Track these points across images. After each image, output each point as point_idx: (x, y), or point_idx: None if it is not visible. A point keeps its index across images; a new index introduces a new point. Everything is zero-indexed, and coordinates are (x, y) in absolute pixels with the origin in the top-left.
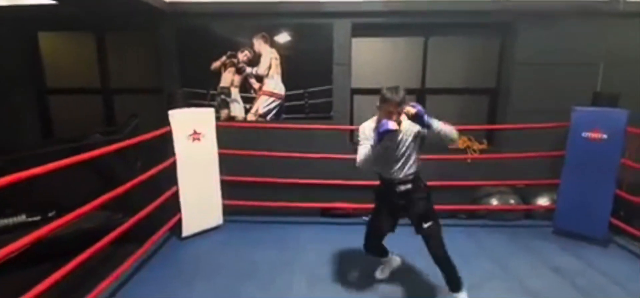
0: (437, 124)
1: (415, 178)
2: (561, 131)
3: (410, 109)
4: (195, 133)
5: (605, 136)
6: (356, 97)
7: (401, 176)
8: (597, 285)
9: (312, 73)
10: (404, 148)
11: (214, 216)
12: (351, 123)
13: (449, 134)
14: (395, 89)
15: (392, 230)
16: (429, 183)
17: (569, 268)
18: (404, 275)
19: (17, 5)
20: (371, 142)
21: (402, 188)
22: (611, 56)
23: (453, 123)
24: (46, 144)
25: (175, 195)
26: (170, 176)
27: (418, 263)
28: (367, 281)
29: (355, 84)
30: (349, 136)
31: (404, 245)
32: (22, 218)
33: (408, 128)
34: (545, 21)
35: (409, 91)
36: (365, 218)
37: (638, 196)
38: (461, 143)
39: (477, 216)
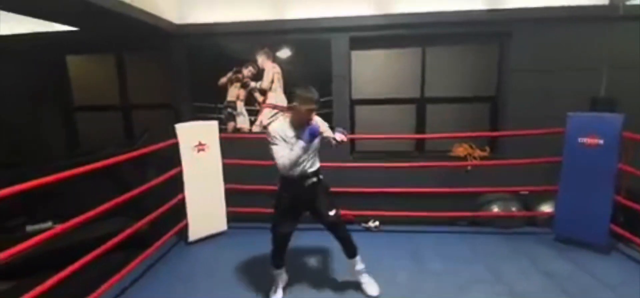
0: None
1: (319, 173)
2: (562, 137)
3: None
4: (200, 144)
5: (601, 141)
6: (357, 108)
7: (310, 171)
8: (587, 288)
9: (312, 86)
10: (314, 145)
11: (219, 223)
12: (352, 133)
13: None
14: (309, 88)
15: (293, 229)
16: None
17: (562, 273)
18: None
19: (46, 32)
20: (287, 144)
21: (309, 182)
22: (613, 61)
23: (452, 131)
24: (68, 157)
25: (182, 203)
26: (180, 185)
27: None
28: (342, 283)
29: (356, 95)
30: (350, 146)
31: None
32: (48, 224)
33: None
34: (543, 28)
35: (409, 101)
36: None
37: (637, 202)
38: (462, 151)
39: (479, 223)
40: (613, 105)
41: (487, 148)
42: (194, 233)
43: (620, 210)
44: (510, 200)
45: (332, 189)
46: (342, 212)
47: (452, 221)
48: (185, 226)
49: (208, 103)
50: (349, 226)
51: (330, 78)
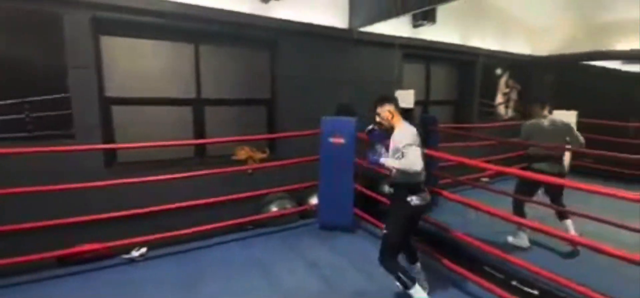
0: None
1: (395, 185)
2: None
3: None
4: None
5: (343, 140)
6: (116, 109)
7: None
8: (340, 270)
9: (34, 77)
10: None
11: None
12: (111, 141)
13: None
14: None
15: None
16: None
17: (321, 261)
18: None
19: None
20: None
21: (385, 189)
22: (351, 76)
23: (234, 134)
24: None
25: None
26: None
27: None
28: None
29: (114, 92)
30: (104, 158)
31: None
32: None
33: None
34: (303, 41)
35: (185, 102)
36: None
37: (367, 189)
38: (244, 154)
39: (263, 224)
40: (351, 111)
41: (267, 150)
42: None
43: (358, 196)
44: (285, 198)
45: (77, 218)
46: (93, 247)
47: (240, 228)
48: None
49: None
50: (106, 263)
51: (65, 69)
